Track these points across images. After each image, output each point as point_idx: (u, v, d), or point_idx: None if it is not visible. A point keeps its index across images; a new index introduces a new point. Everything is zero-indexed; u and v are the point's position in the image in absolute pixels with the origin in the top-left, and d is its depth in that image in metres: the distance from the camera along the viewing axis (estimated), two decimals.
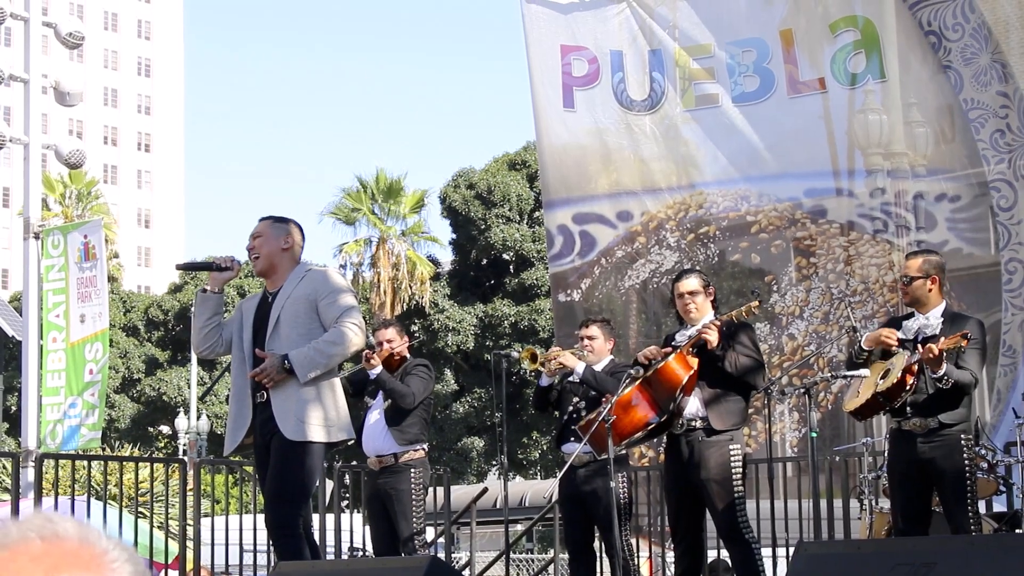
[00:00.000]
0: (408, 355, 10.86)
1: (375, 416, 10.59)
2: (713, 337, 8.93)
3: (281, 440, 8.10)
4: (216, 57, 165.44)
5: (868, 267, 13.67)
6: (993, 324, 12.49)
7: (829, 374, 10.37)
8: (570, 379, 10.20)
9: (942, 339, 8.21)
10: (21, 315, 13.70)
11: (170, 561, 14.50)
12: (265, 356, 8.19)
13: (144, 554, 14.19)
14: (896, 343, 8.48)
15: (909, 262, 8.90)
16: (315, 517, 12.85)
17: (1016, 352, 12.85)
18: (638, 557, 12.32)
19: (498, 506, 16.38)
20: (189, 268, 9.22)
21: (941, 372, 8.19)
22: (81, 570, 1.60)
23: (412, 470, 10.40)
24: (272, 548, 8.35)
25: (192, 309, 8.85)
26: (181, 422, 47.51)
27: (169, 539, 15.67)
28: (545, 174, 15.83)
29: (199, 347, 8.72)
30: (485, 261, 48.93)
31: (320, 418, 8.15)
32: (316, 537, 12.31)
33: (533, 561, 21.74)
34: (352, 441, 8.84)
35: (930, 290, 8.64)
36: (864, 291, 13.60)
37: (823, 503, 11.01)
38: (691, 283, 9.37)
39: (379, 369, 10.43)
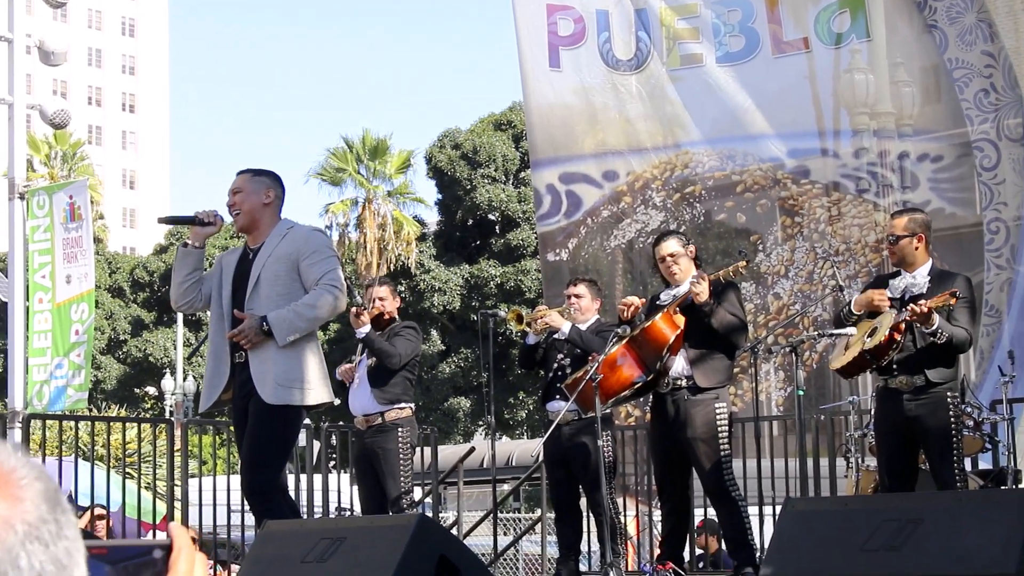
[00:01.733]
0: (396, 316, 10.87)
1: (360, 377, 10.60)
2: (702, 290, 8.94)
3: (258, 403, 7.98)
4: (201, 17, 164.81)
5: (851, 227, 13.68)
6: (976, 284, 12.52)
7: (815, 333, 10.40)
8: (555, 337, 10.21)
9: (934, 297, 8.21)
10: (7, 276, 13.70)
11: (158, 521, 14.53)
12: (243, 317, 8.03)
13: (132, 514, 14.23)
14: (888, 304, 8.48)
15: (894, 221, 8.90)
16: (303, 478, 12.89)
17: (998, 311, 12.89)
18: (625, 516, 12.37)
19: (485, 466, 16.41)
20: (171, 222, 9.07)
21: (934, 327, 8.19)
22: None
23: (399, 429, 10.41)
24: (251, 511, 8.26)
25: (172, 264, 8.67)
26: (167, 383, 47.49)
27: (157, 499, 15.71)
28: (532, 134, 15.83)
29: (178, 302, 8.54)
30: (471, 221, 48.89)
31: (299, 380, 8.01)
32: (303, 498, 12.36)
33: (520, 520, 21.78)
34: (333, 403, 8.73)
35: (916, 248, 8.64)
36: (846, 251, 13.61)
37: (810, 461, 11.05)
38: (671, 245, 9.38)
39: (367, 328, 10.42)
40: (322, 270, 8.09)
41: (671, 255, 9.31)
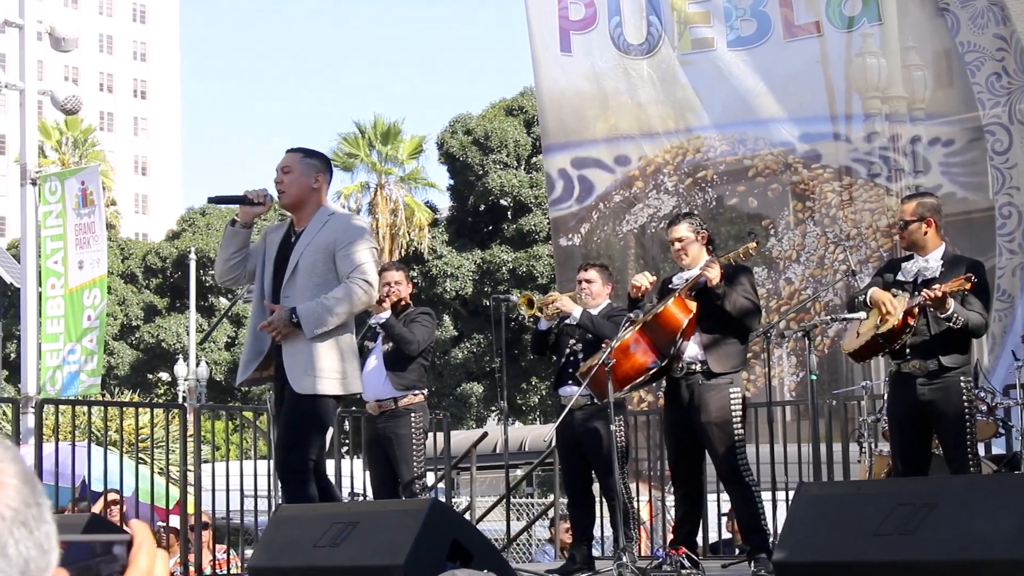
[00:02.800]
0: (410, 302, 10.86)
1: (374, 361, 10.58)
2: (714, 273, 8.94)
3: (290, 392, 8.05)
4: (211, 2, 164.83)
5: (862, 212, 13.66)
6: (988, 269, 12.49)
7: (828, 317, 10.38)
8: (567, 322, 10.20)
9: (948, 281, 8.19)
10: (19, 262, 13.70)
11: (171, 506, 14.55)
12: (274, 309, 8.08)
13: (145, 499, 14.26)
14: (898, 315, 8.42)
15: (904, 206, 8.88)
16: None
17: (1010, 296, 12.86)
18: (638, 501, 12.37)
19: (498, 451, 16.41)
20: (221, 201, 9.05)
21: (950, 311, 8.17)
22: None
23: (412, 414, 10.41)
24: (285, 494, 8.32)
25: (220, 241, 8.70)
26: (180, 369, 47.57)
27: (170, 484, 15.73)
28: (544, 119, 15.81)
29: (222, 277, 8.56)
30: (483, 207, 48.90)
31: (329, 370, 8.04)
32: None
33: (533, 506, 21.78)
34: (359, 395, 8.75)
35: (925, 233, 8.61)
36: (857, 235, 13.59)
37: (823, 447, 11.04)
38: (681, 229, 9.38)
39: (388, 314, 10.42)
40: (354, 263, 8.07)
41: (679, 239, 9.31)
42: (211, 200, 9.26)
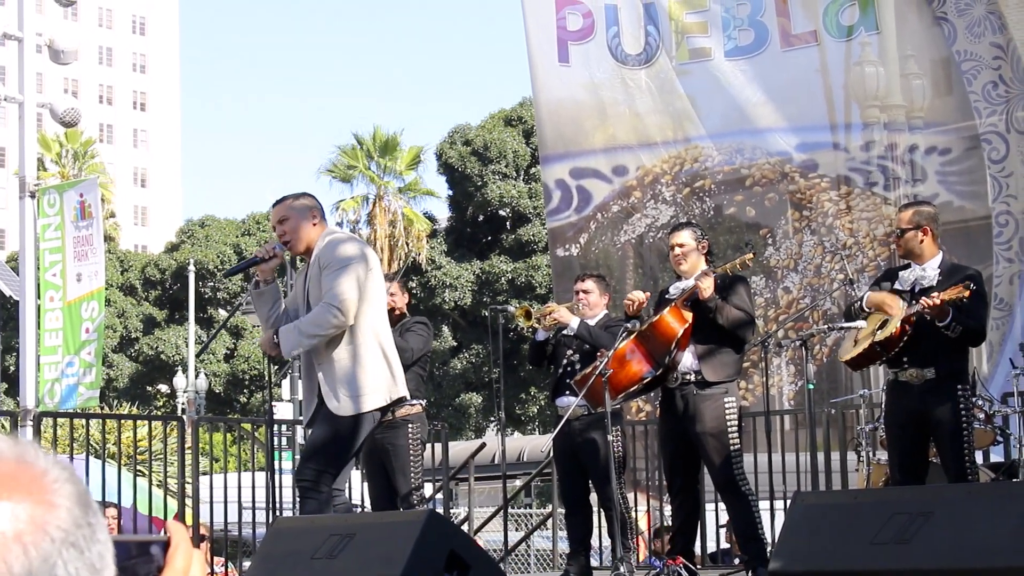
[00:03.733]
0: (406, 312, 10.86)
1: None
2: (707, 285, 8.95)
3: (321, 406, 8.24)
4: (211, 14, 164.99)
5: (859, 221, 13.66)
6: (985, 278, 12.49)
7: (825, 326, 10.39)
8: (564, 333, 10.20)
9: (946, 289, 8.20)
10: (18, 274, 13.69)
11: (170, 518, 14.55)
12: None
13: (144, 511, 14.25)
14: (898, 312, 8.43)
15: (901, 214, 8.91)
16: None
17: (1008, 305, 12.86)
18: (635, 511, 12.36)
19: (496, 462, 16.41)
20: (236, 272, 9.22)
21: (948, 320, 8.18)
22: (21, 493, 1.48)
23: (409, 425, 10.41)
24: (300, 502, 8.46)
25: (250, 304, 8.93)
26: (179, 381, 47.57)
27: (168, 497, 15.72)
28: (542, 129, 15.82)
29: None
30: (482, 217, 48.93)
31: (348, 388, 8.15)
32: None
33: (531, 516, 21.77)
34: (403, 398, 8.71)
35: (922, 241, 8.63)
36: (854, 245, 13.59)
37: (820, 456, 11.04)
38: (683, 236, 9.41)
39: None
40: (327, 285, 8.16)
41: (680, 245, 9.34)
42: (226, 274, 9.45)
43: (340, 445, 8.23)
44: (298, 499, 8.64)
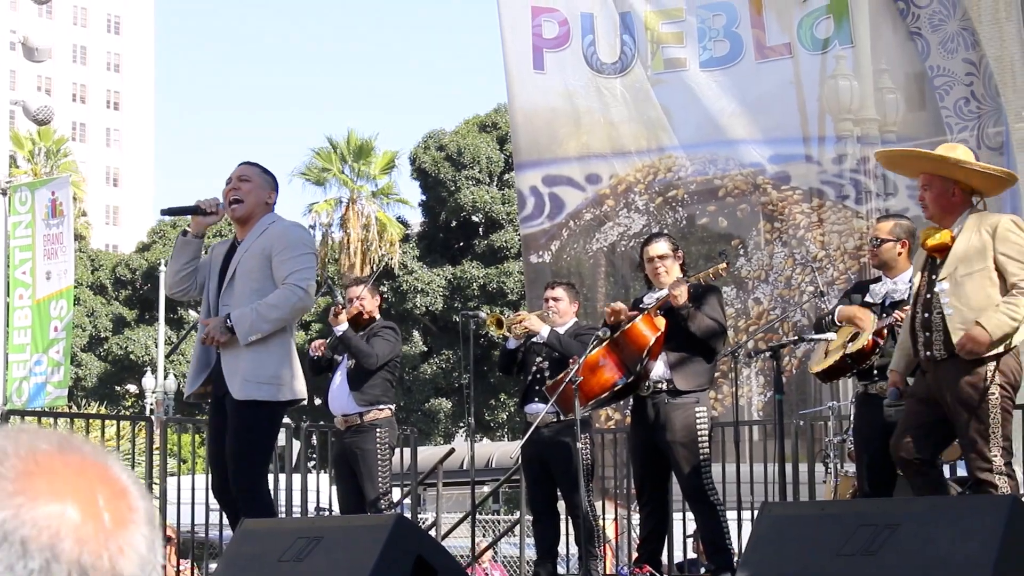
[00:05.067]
0: (377, 316, 10.85)
1: (339, 377, 10.58)
2: (680, 292, 8.96)
3: (232, 401, 7.97)
4: (186, 15, 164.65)
5: (830, 233, 13.69)
6: None
7: (796, 337, 10.42)
8: (534, 340, 10.21)
9: None
10: None
11: None
12: (208, 323, 8.04)
13: None
14: (869, 326, 8.45)
15: (880, 224, 8.93)
16: (282, 477, 12.87)
17: None
18: (603, 519, 12.37)
19: (464, 467, 16.40)
20: (175, 213, 8.94)
21: None
22: (117, 500, 1.44)
23: (378, 430, 10.40)
24: (240, 509, 8.16)
25: (171, 251, 8.62)
26: (148, 381, 47.39)
27: None
28: (516, 136, 15.82)
29: (172, 289, 8.49)
30: (454, 223, 48.90)
31: (269, 377, 7.96)
32: (283, 497, 12.34)
33: (499, 522, 21.77)
34: (303, 401, 8.61)
35: (899, 254, 8.67)
36: (825, 257, 13.62)
37: (788, 467, 11.06)
38: (661, 247, 9.41)
39: (345, 326, 10.38)
40: (290, 268, 7.98)
41: (660, 256, 9.34)
42: (164, 212, 9.07)
43: (259, 436, 8.08)
44: (240, 505, 8.36)
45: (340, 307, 10.39)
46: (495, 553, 19.02)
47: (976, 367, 7.39)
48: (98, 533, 1.41)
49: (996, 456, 7.43)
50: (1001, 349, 7.38)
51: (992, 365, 7.39)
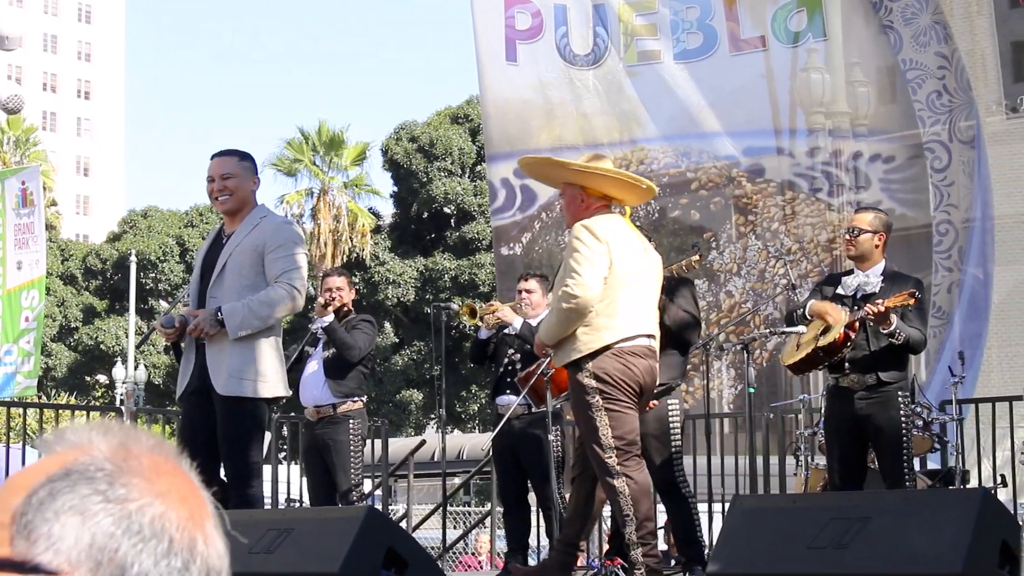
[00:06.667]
0: (352, 307, 10.83)
1: (313, 366, 10.54)
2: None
3: (216, 395, 7.93)
4: (158, 4, 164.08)
5: (803, 226, 13.72)
6: (924, 286, 12.59)
7: (767, 331, 10.43)
8: (506, 332, 10.20)
9: (889, 297, 8.24)
10: None
11: None
12: (196, 314, 7.95)
13: None
14: (840, 321, 8.47)
15: (859, 215, 8.93)
16: None
17: (945, 313, 12.95)
18: None
19: (436, 459, 16.40)
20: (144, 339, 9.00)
21: (893, 327, 8.22)
22: (202, 499, 1.45)
23: (350, 421, 10.37)
24: (236, 499, 8.10)
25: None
26: (119, 371, 47.25)
27: None
28: (488, 128, 15.81)
29: None
30: (426, 214, 48.87)
31: (253, 373, 7.92)
32: None
33: (470, 514, 21.77)
34: (287, 397, 8.60)
35: (876, 246, 8.68)
36: (799, 250, 13.65)
37: (759, 459, 11.08)
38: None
39: (331, 318, 10.36)
40: (283, 267, 7.94)
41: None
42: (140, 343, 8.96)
43: (247, 429, 8.00)
44: (236, 496, 8.35)
45: (327, 299, 10.38)
46: (466, 545, 19.01)
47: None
48: (209, 534, 1.44)
49: (610, 458, 7.54)
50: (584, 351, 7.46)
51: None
